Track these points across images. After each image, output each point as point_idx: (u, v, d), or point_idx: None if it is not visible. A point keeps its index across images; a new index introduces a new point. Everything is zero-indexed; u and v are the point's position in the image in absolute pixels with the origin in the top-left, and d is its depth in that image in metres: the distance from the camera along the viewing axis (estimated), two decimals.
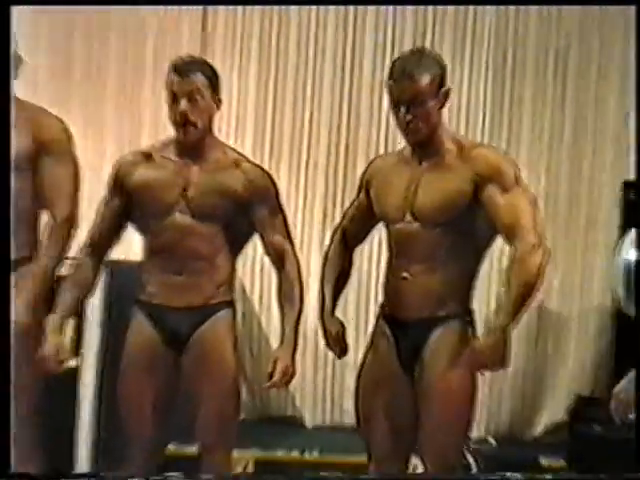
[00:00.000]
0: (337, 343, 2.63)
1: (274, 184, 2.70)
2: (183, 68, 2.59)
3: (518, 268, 2.29)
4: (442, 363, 2.36)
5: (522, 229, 2.32)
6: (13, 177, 2.72)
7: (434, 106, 2.37)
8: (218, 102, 2.62)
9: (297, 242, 3.27)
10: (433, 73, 2.37)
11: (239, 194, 2.60)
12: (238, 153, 2.75)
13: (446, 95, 2.38)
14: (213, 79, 2.63)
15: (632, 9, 4.35)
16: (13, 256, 2.64)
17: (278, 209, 2.68)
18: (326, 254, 2.70)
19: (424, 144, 2.39)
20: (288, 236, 2.72)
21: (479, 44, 4.67)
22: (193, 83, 2.57)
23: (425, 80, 2.35)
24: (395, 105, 2.37)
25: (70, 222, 2.74)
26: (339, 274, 2.66)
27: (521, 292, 2.29)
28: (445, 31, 4.65)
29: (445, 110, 2.41)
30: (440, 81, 2.40)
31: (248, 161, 2.71)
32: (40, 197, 2.74)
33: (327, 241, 2.86)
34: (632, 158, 4.34)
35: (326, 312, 2.63)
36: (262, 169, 2.72)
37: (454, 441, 2.50)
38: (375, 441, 2.47)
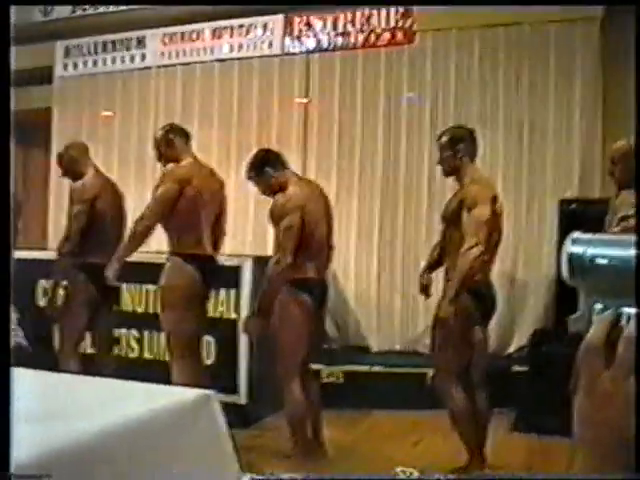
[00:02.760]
0: (423, 290, 4.05)
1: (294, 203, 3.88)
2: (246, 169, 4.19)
3: (460, 260, 3.56)
4: None
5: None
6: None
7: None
8: (267, 174, 4.00)
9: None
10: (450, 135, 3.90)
11: (276, 214, 3.93)
12: (296, 188, 3.99)
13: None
14: (260, 172, 4.03)
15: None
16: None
17: (285, 225, 3.81)
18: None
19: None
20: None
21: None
22: (253, 180, 4.11)
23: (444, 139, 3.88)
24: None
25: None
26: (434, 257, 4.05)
27: (460, 276, 3.56)
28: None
29: None
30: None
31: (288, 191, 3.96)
32: None
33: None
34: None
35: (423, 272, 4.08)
36: (287, 199, 3.89)
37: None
38: None
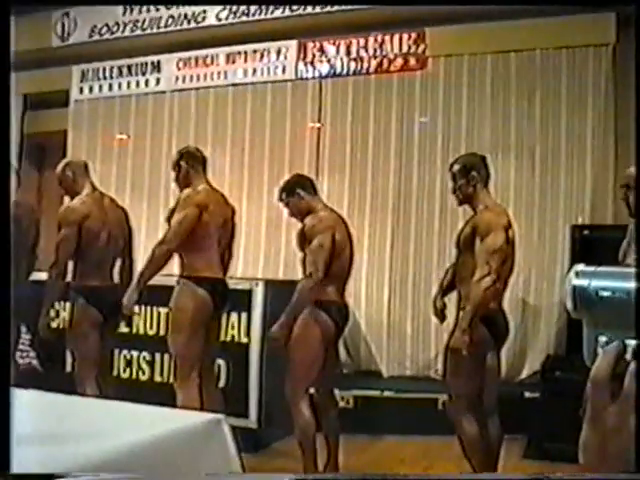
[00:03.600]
0: (438, 314, 4.04)
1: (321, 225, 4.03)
2: (279, 191, 4.32)
3: (472, 290, 3.57)
4: None
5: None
6: None
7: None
8: (299, 195, 4.14)
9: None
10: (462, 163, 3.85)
11: (307, 234, 4.05)
12: (325, 212, 4.11)
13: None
14: (292, 193, 4.15)
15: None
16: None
17: (317, 243, 3.94)
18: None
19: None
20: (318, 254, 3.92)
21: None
22: (286, 202, 4.24)
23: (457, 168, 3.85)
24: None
25: None
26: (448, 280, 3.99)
27: (472, 306, 3.55)
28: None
29: None
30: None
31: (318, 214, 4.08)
32: None
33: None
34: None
35: (436, 296, 4.06)
36: (318, 220, 4.03)
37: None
38: None
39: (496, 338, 3.81)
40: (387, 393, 5.59)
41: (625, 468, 0.61)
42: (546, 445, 4.65)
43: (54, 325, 5.13)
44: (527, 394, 5.31)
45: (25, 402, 1.26)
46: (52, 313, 5.03)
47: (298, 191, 4.17)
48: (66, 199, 4.77)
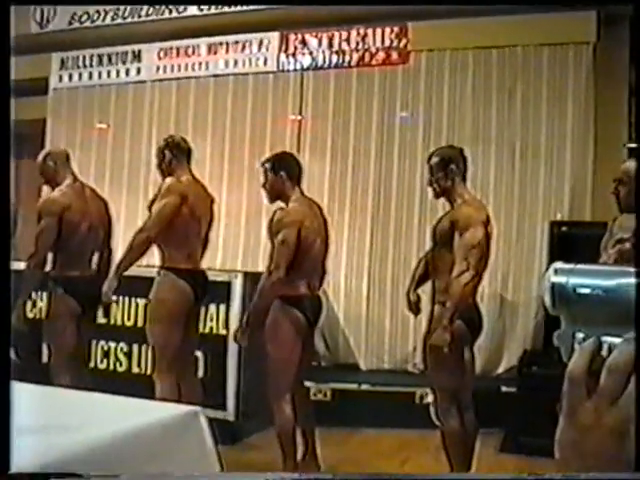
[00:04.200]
0: (412, 307, 3.98)
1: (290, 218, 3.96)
2: (266, 158, 4.28)
3: (452, 286, 3.54)
4: None
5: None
6: None
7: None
8: (281, 177, 4.03)
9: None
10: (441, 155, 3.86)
11: (274, 228, 3.99)
12: (295, 204, 4.03)
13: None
14: (275, 171, 4.04)
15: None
16: None
17: (280, 239, 3.87)
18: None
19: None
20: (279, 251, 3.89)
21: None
22: (264, 170, 4.13)
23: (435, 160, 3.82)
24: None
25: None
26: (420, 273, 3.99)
27: (453, 303, 3.55)
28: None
29: None
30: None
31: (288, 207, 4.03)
32: None
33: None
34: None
35: (409, 289, 4.01)
36: (286, 214, 3.96)
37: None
38: None
39: (472, 332, 3.81)
40: (365, 386, 5.61)
41: (598, 464, 0.61)
42: (522, 439, 4.68)
43: (31, 316, 5.08)
44: (504, 388, 5.34)
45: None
46: (29, 304, 5.00)
47: (282, 173, 4.08)
48: (44, 188, 4.71)
